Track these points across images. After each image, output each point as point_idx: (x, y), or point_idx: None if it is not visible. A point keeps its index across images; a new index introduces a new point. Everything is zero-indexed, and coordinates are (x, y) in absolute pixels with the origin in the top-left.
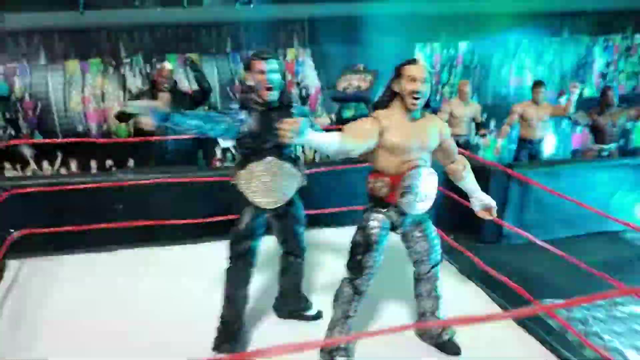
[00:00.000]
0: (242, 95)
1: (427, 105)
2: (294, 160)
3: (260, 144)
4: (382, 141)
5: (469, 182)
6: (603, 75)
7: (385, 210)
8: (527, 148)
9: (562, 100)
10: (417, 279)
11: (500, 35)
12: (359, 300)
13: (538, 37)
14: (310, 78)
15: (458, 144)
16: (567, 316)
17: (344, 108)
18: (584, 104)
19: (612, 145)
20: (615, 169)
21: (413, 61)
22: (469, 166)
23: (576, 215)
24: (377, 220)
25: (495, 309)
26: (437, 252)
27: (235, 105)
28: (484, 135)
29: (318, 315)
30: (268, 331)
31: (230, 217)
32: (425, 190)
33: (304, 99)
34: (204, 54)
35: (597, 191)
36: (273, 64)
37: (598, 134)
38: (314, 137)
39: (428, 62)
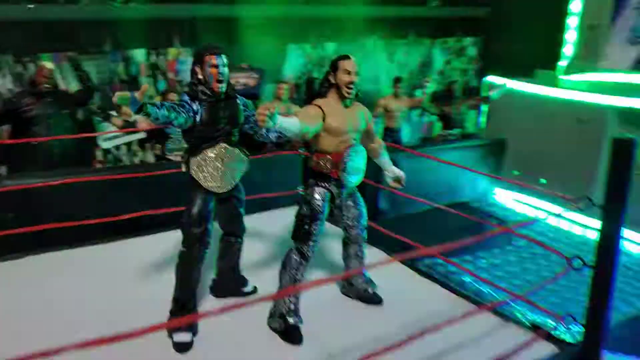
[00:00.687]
0: (193, 88)
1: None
2: (241, 147)
3: (213, 132)
4: (324, 125)
5: (384, 158)
6: (441, 72)
7: (326, 184)
8: (391, 136)
9: (417, 93)
10: (347, 243)
11: (360, 38)
12: (305, 265)
13: (389, 40)
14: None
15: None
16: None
17: None
18: (430, 96)
19: (457, 130)
20: (460, 150)
21: (346, 57)
22: (384, 146)
23: (434, 191)
24: (320, 194)
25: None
26: (364, 218)
27: (186, 98)
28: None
29: (254, 291)
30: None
31: (146, 213)
32: (358, 165)
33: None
34: (82, 53)
35: (449, 170)
36: (224, 59)
37: (445, 121)
38: (282, 121)
39: (300, 62)
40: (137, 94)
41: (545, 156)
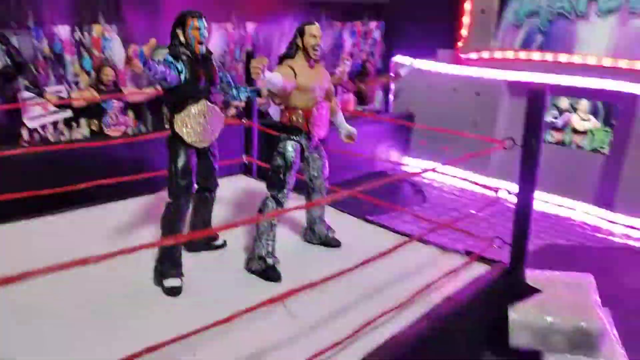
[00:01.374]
0: (174, 49)
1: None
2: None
3: (195, 89)
4: (296, 83)
5: (339, 117)
6: (351, 54)
7: (297, 137)
8: None
9: (337, 71)
10: (310, 192)
11: (278, 19)
12: (279, 209)
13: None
14: (118, 55)
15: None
16: None
17: None
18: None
19: (371, 106)
20: (374, 124)
21: (312, 22)
22: (339, 105)
23: (354, 161)
24: (292, 146)
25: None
26: (327, 169)
27: (170, 58)
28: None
29: (224, 244)
30: (188, 264)
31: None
32: (325, 119)
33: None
34: (3, 28)
35: (366, 141)
36: (204, 22)
37: (361, 97)
38: (269, 75)
39: (223, 41)
40: (145, 48)
41: (449, 126)
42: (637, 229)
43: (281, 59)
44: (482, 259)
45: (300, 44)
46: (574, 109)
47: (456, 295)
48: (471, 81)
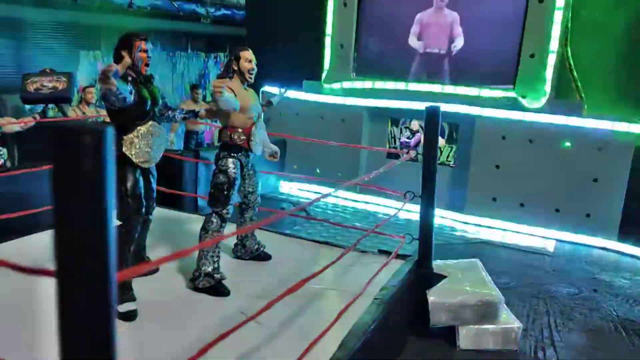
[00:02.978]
0: (123, 71)
1: None
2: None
3: (142, 110)
4: None
5: (265, 136)
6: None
7: (237, 154)
8: (194, 138)
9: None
10: (244, 208)
11: None
12: (224, 227)
13: (173, 51)
14: None
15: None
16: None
17: (48, 109)
18: None
19: None
20: None
21: (245, 48)
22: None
23: None
24: (233, 163)
25: None
26: (260, 186)
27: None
28: None
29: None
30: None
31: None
32: (262, 137)
33: None
34: None
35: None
36: (150, 44)
37: None
38: (227, 95)
39: (93, 69)
40: (119, 67)
41: (318, 151)
42: (485, 226)
43: (219, 78)
44: (398, 256)
45: (236, 67)
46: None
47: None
48: (336, 108)
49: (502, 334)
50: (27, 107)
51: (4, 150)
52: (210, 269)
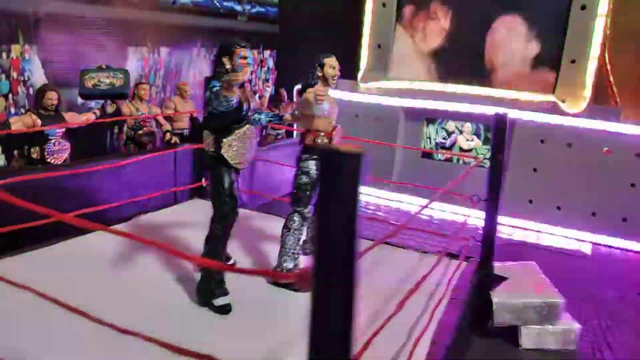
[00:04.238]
0: (221, 76)
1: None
2: None
3: (240, 114)
4: None
5: None
6: (249, 81)
7: (317, 156)
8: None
9: (258, 98)
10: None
11: (187, 46)
12: (305, 225)
13: (211, 48)
14: (38, 76)
15: (182, 137)
16: None
17: (107, 104)
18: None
19: (282, 131)
20: (283, 149)
21: (329, 55)
22: None
23: (278, 182)
24: (315, 165)
25: None
26: None
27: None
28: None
29: (234, 264)
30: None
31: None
32: (339, 140)
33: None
34: None
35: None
36: (250, 52)
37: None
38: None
39: (139, 65)
40: (239, 77)
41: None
42: (519, 227)
43: (304, 88)
44: (455, 256)
45: (320, 74)
46: (460, 131)
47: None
48: (371, 107)
49: (562, 334)
50: (80, 101)
51: (68, 145)
52: (291, 266)
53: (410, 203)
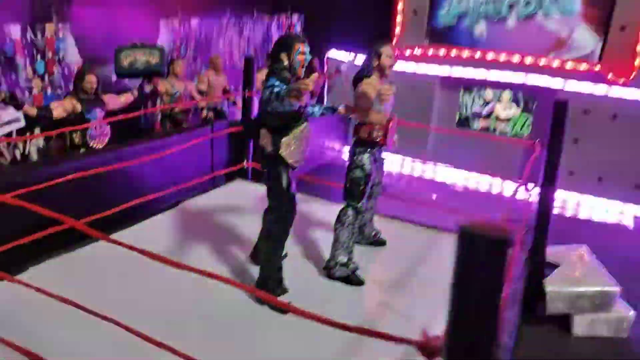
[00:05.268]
0: (280, 73)
1: None
2: None
3: (298, 112)
4: None
5: None
6: None
7: (372, 150)
8: None
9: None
10: (368, 198)
11: (216, 14)
12: (359, 219)
13: (240, 16)
14: (72, 55)
15: (216, 112)
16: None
17: (144, 83)
18: None
19: (314, 101)
20: (317, 120)
21: (386, 43)
22: None
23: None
24: (369, 159)
25: None
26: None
27: (277, 83)
28: (234, 103)
29: (285, 255)
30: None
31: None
32: (395, 131)
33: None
34: None
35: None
36: (308, 47)
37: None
38: None
39: (170, 37)
40: (310, 82)
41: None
42: (559, 199)
43: (360, 79)
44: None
45: (376, 63)
46: (498, 100)
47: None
48: (406, 76)
49: (615, 322)
50: (115, 78)
51: (108, 128)
52: (345, 260)
53: (445, 175)
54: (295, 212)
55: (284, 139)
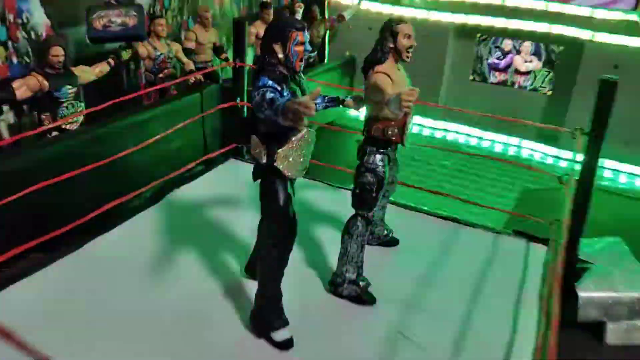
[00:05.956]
0: (271, 69)
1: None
2: None
3: None
4: None
5: None
6: None
7: (386, 149)
8: None
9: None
10: (383, 196)
11: None
12: (369, 230)
13: None
14: (37, 17)
15: (206, 72)
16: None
17: (121, 50)
18: None
19: (314, 53)
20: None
21: (403, 20)
22: None
23: None
24: (382, 161)
25: None
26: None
27: (270, 82)
28: (226, 59)
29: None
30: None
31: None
32: (412, 128)
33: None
34: None
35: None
36: (308, 34)
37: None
38: None
39: None
40: (311, 106)
41: None
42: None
43: (370, 66)
44: (536, 239)
45: (392, 45)
46: (518, 51)
47: None
48: (417, 24)
49: None
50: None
51: (82, 105)
52: (354, 276)
53: (458, 132)
54: (294, 235)
55: (280, 150)
